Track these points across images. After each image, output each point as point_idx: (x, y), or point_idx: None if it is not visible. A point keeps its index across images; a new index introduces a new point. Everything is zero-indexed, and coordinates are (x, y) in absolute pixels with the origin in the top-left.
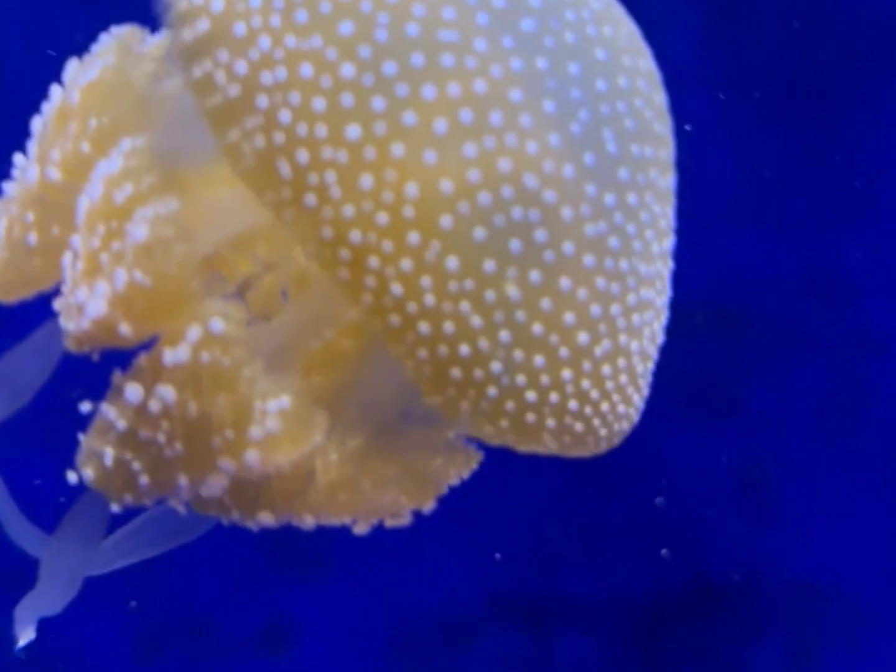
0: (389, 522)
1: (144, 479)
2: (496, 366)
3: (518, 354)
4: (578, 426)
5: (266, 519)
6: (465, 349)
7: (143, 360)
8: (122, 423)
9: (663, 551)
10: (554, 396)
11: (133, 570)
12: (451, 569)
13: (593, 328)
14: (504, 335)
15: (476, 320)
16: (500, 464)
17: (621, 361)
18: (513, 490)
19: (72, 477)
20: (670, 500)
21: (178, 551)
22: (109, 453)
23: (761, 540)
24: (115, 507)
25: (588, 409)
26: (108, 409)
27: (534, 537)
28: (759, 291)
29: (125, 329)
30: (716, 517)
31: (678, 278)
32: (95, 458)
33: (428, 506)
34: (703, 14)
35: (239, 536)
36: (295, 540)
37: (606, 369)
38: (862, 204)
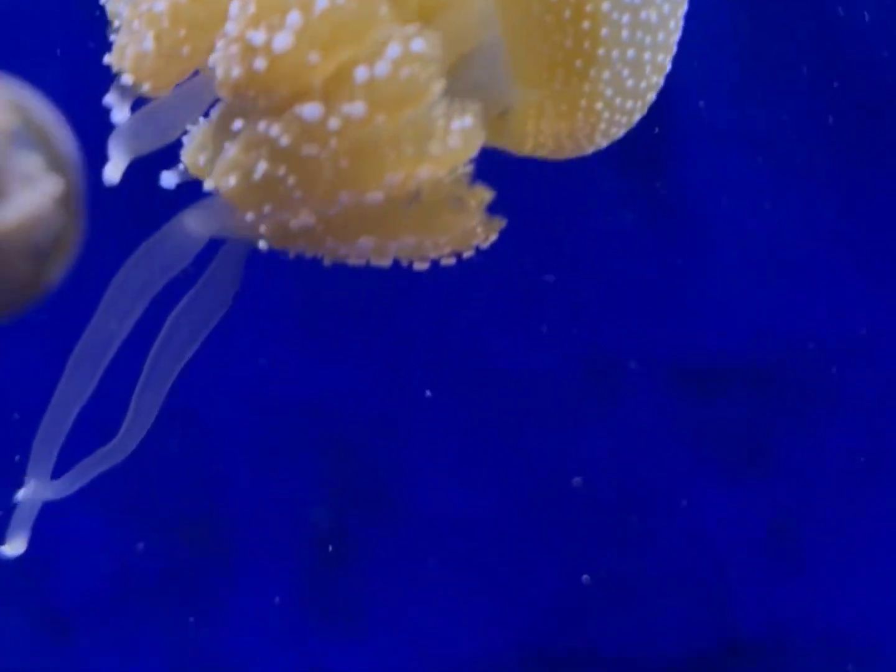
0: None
1: (298, 193)
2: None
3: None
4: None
5: (365, 245)
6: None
7: (317, 81)
8: (285, 139)
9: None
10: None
11: (165, 616)
12: (482, 620)
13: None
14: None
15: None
16: (532, 514)
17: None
18: (544, 541)
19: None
20: (700, 555)
21: (211, 600)
22: (263, 167)
23: (792, 596)
24: (244, 223)
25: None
26: (270, 126)
27: (564, 589)
28: (790, 348)
29: (314, 58)
30: (746, 572)
31: (710, 335)
32: (243, 169)
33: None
34: (734, 72)
35: (273, 586)
36: (329, 590)
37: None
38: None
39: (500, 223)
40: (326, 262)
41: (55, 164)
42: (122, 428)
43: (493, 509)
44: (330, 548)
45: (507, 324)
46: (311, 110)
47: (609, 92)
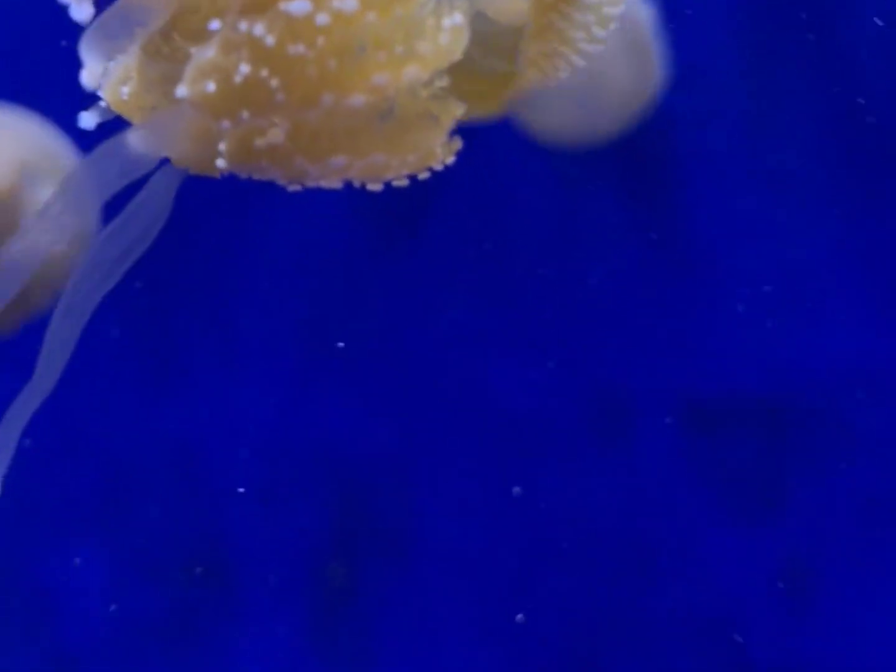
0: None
1: (280, 96)
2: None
3: None
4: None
5: (335, 163)
6: None
7: None
8: (270, 39)
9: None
10: None
11: (170, 657)
12: (491, 661)
13: None
14: None
15: None
16: (542, 555)
17: None
18: (555, 582)
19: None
20: (713, 596)
21: (218, 641)
22: (245, 69)
23: (806, 637)
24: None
25: None
26: (253, 24)
27: (575, 630)
28: (803, 385)
29: None
30: (760, 613)
31: (721, 371)
32: (223, 72)
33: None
34: (743, 104)
35: (280, 627)
36: (336, 631)
37: None
38: None
39: (458, 144)
40: (283, 184)
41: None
42: (38, 364)
43: (501, 550)
44: (336, 588)
45: (513, 361)
46: (298, 6)
47: None
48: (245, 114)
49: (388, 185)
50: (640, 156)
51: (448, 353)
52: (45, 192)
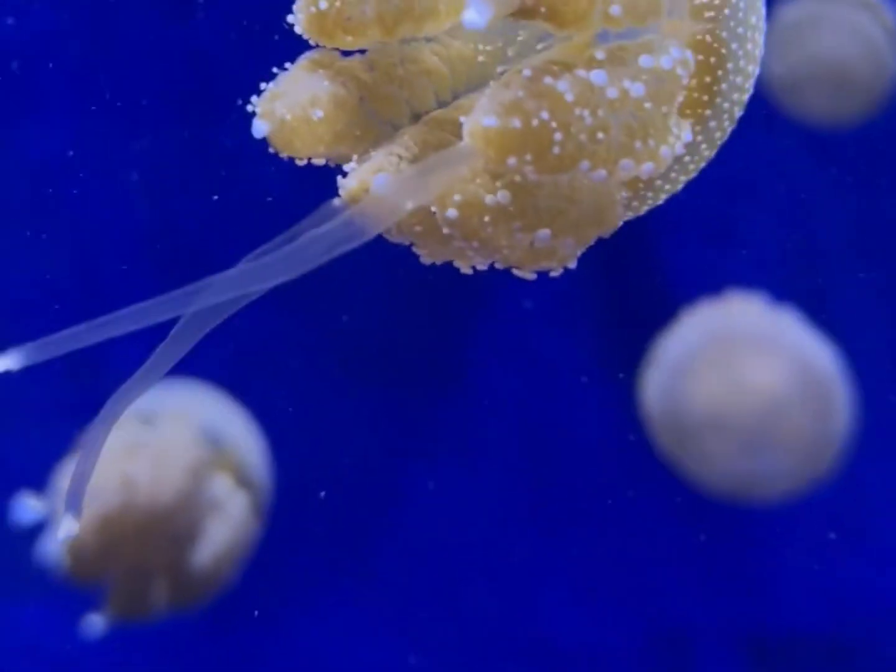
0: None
1: (556, 150)
2: None
3: None
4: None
5: (543, 236)
6: None
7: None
8: (570, 96)
9: None
10: None
11: None
12: None
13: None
14: None
15: None
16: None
17: None
18: None
19: None
20: None
21: None
22: (545, 115)
23: None
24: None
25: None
26: (560, 81)
27: None
28: (874, 622)
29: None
30: None
31: (785, 606)
32: (527, 115)
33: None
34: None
35: None
36: None
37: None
38: None
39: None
40: (473, 262)
41: (243, 478)
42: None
43: None
44: None
45: (564, 593)
46: (598, 75)
47: None
48: (517, 160)
49: None
50: None
51: (496, 582)
52: (217, 483)
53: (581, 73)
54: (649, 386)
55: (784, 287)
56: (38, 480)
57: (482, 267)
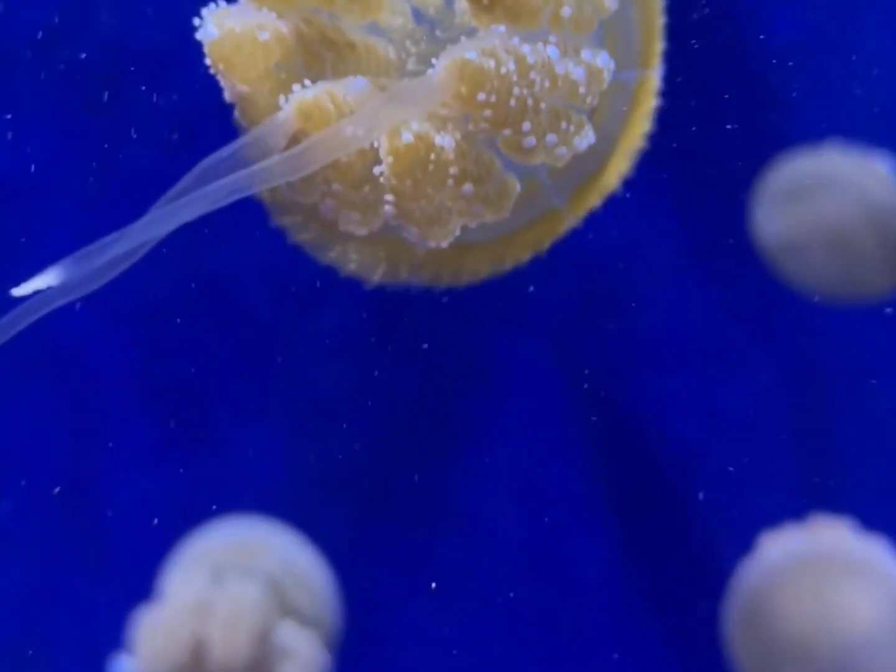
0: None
1: (513, 102)
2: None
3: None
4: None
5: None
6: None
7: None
8: (531, 59)
9: None
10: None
11: None
12: None
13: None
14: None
15: None
16: None
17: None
18: None
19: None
20: None
21: None
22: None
23: None
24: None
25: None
26: (525, 45)
27: None
28: None
29: None
30: None
31: None
32: (477, 66)
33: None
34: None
35: None
36: None
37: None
38: None
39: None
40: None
41: (311, 617)
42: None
43: None
44: None
45: None
46: (553, 50)
47: None
48: (490, 98)
49: None
50: None
51: None
52: (288, 629)
53: (540, 45)
54: (733, 608)
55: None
56: (36, 607)
57: (369, 229)
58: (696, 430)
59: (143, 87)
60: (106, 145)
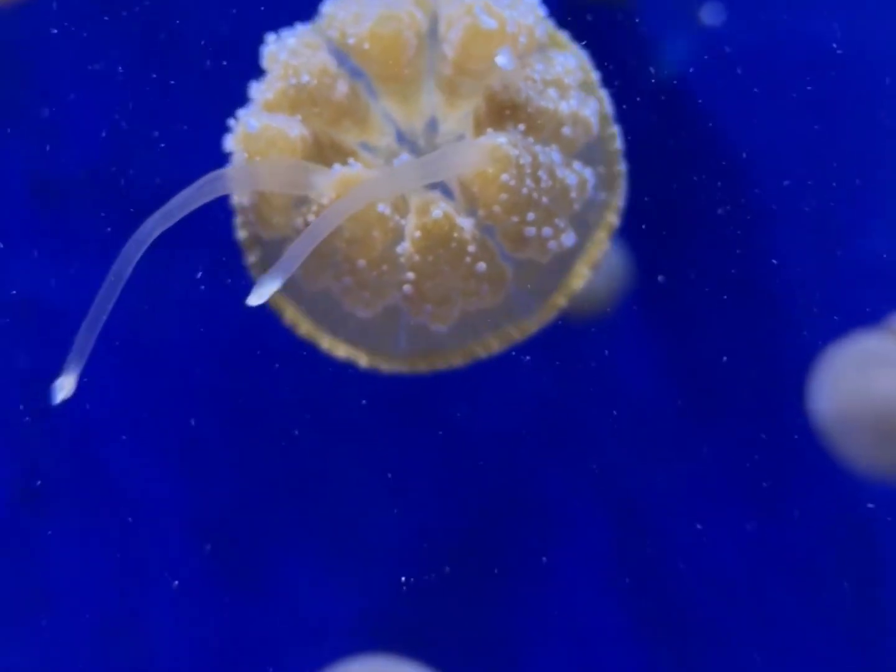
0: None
1: (525, 190)
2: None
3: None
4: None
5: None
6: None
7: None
8: (543, 158)
9: None
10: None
11: None
12: None
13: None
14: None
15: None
16: None
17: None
18: None
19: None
20: None
21: None
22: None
23: None
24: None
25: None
26: (537, 146)
27: None
28: None
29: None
30: None
31: None
32: (507, 151)
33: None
34: None
35: None
36: None
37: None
38: None
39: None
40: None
41: None
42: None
43: None
44: None
45: None
46: (556, 155)
47: None
48: (510, 182)
49: None
50: None
51: None
52: None
53: (548, 149)
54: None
55: None
56: None
57: (372, 312)
58: (744, 565)
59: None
60: (157, 276)
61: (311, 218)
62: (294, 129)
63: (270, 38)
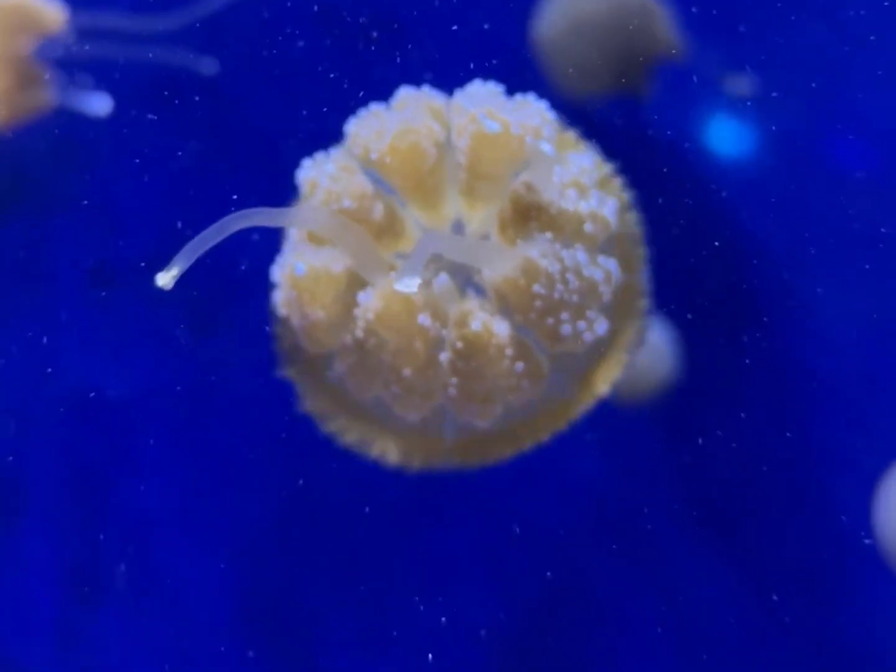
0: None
1: (556, 294)
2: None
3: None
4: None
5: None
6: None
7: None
8: (569, 262)
9: None
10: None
11: None
12: None
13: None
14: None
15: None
16: None
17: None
18: None
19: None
20: None
21: None
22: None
23: None
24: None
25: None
26: (565, 250)
27: None
28: None
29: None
30: None
31: None
32: (539, 264)
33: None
34: None
35: None
36: None
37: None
38: None
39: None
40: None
41: None
42: None
43: None
44: None
45: None
46: (582, 255)
47: None
48: (540, 291)
49: None
50: None
51: None
52: None
53: (572, 251)
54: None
55: None
56: None
57: (422, 415)
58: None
59: (243, 310)
60: (211, 374)
61: (359, 334)
62: (338, 265)
63: (307, 163)
